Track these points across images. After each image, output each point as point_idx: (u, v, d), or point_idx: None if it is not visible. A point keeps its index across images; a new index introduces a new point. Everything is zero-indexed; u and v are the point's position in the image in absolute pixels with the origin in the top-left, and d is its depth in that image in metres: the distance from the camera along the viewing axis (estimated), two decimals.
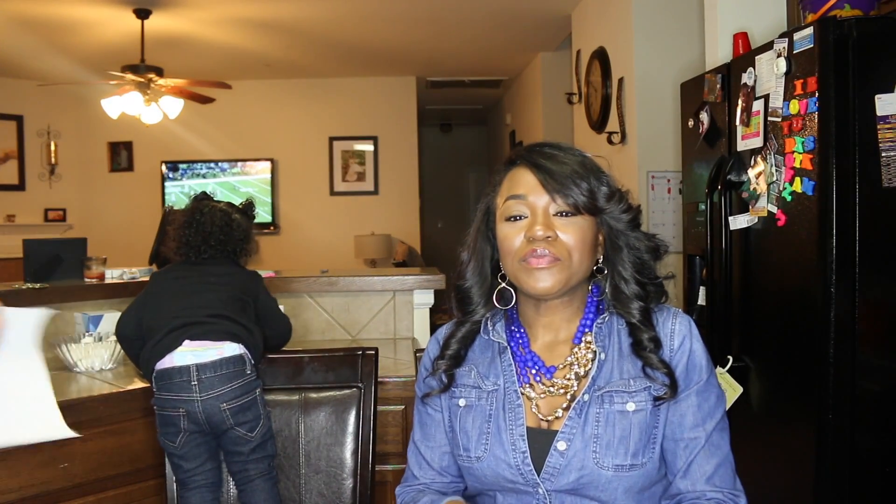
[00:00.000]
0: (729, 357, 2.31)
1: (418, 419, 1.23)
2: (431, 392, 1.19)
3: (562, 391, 1.10)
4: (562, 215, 1.08)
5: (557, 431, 1.07)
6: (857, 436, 1.93)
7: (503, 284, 1.15)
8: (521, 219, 1.10)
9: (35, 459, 1.72)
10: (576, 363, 1.11)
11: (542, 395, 1.11)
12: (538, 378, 1.12)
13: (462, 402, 1.15)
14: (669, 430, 1.08)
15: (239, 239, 2.04)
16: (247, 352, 1.83)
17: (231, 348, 1.81)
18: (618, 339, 1.12)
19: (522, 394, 1.12)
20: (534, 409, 1.10)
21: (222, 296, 1.93)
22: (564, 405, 1.09)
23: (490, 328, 1.18)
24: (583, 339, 1.13)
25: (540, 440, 1.08)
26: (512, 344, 1.16)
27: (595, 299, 1.15)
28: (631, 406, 1.06)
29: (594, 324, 1.13)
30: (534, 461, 1.07)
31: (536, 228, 1.07)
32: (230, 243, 2.01)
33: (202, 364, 1.77)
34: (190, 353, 1.79)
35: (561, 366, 1.12)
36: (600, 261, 1.13)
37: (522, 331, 1.17)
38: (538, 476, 1.07)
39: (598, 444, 1.05)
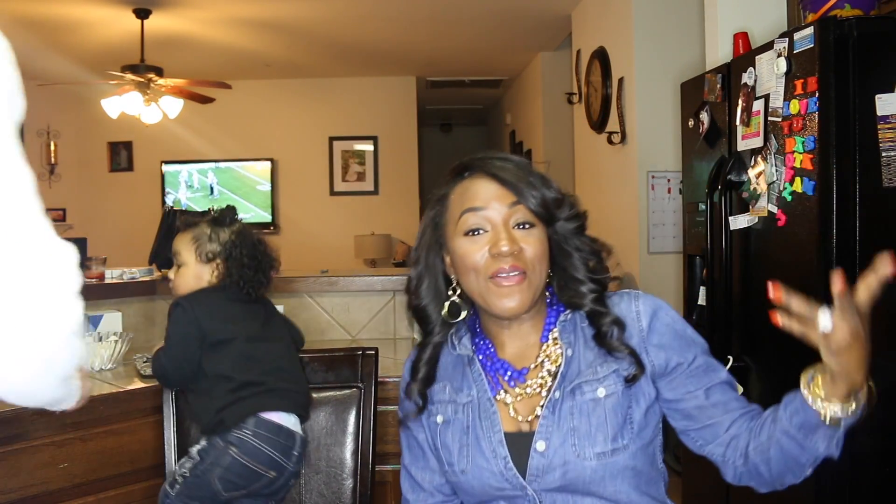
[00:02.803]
0: (729, 357, 2.31)
1: (405, 443, 1.22)
2: (409, 415, 1.18)
3: (538, 389, 1.09)
4: (520, 227, 1.07)
5: (535, 432, 1.06)
6: (858, 436, 1.93)
7: (454, 297, 1.14)
8: (480, 232, 1.08)
9: (35, 459, 1.72)
10: (546, 360, 1.10)
11: (519, 398, 1.10)
12: (512, 383, 1.11)
13: (440, 419, 1.14)
14: (679, 398, 1.08)
15: (274, 267, 1.89)
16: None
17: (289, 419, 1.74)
18: (582, 333, 1.11)
19: (498, 400, 1.11)
20: (512, 414, 1.10)
21: (289, 350, 1.82)
22: (542, 403, 1.08)
23: (456, 343, 1.16)
24: (549, 336, 1.12)
25: (519, 443, 1.07)
26: (480, 355, 1.15)
27: (555, 298, 1.15)
28: (602, 392, 1.06)
29: (558, 321, 1.12)
30: (517, 465, 1.07)
31: (502, 244, 1.05)
32: (269, 274, 1.87)
33: (304, 438, 1.72)
34: (296, 419, 1.72)
35: (532, 366, 1.11)
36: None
37: (488, 342, 1.15)
38: (524, 479, 1.06)
39: (576, 436, 1.04)
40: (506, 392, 1.11)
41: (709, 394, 1.10)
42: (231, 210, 1.89)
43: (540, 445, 1.05)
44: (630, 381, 1.06)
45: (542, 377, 1.10)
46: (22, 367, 0.79)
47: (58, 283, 0.80)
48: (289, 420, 1.70)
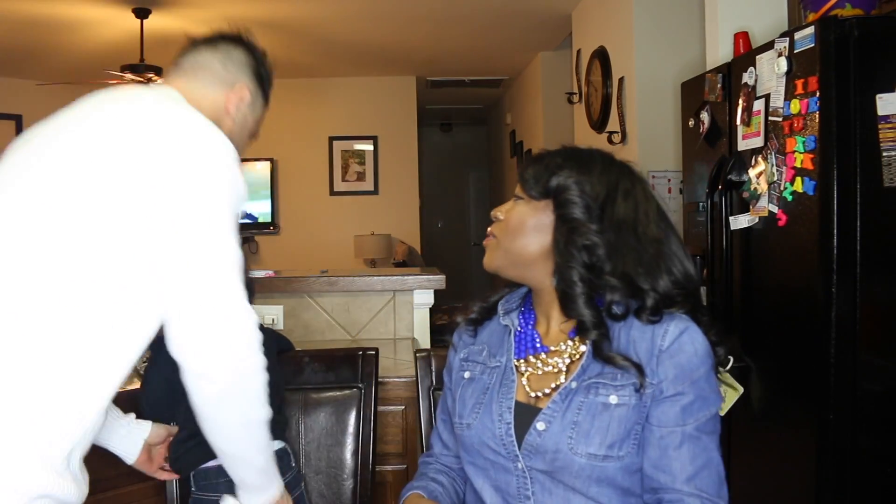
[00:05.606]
0: (730, 357, 2.30)
1: (442, 396, 1.33)
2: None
3: (551, 369, 1.13)
4: (515, 199, 1.18)
5: (541, 411, 1.10)
6: (859, 436, 1.93)
7: None
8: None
9: None
10: (568, 348, 1.14)
11: (532, 371, 1.15)
12: (532, 351, 1.17)
13: (467, 375, 1.22)
14: (653, 422, 1.08)
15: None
16: (287, 444, 1.69)
17: (274, 444, 1.63)
18: (616, 337, 1.10)
19: (517, 367, 1.16)
20: (524, 383, 1.14)
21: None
22: (553, 385, 1.12)
23: (502, 313, 1.23)
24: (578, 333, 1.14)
25: (526, 416, 1.11)
26: (521, 321, 1.21)
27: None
28: (614, 399, 1.07)
29: None
30: (518, 436, 1.11)
31: (495, 209, 1.20)
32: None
33: None
34: None
35: (554, 349, 1.15)
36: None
37: (532, 312, 1.22)
38: (519, 449, 1.10)
39: (575, 431, 1.06)
40: (525, 362, 1.17)
41: (667, 442, 1.07)
42: None
43: (540, 425, 1.09)
44: (637, 390, 1.07)
45: (556, 362, 1.14)
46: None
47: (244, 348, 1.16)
48: None
